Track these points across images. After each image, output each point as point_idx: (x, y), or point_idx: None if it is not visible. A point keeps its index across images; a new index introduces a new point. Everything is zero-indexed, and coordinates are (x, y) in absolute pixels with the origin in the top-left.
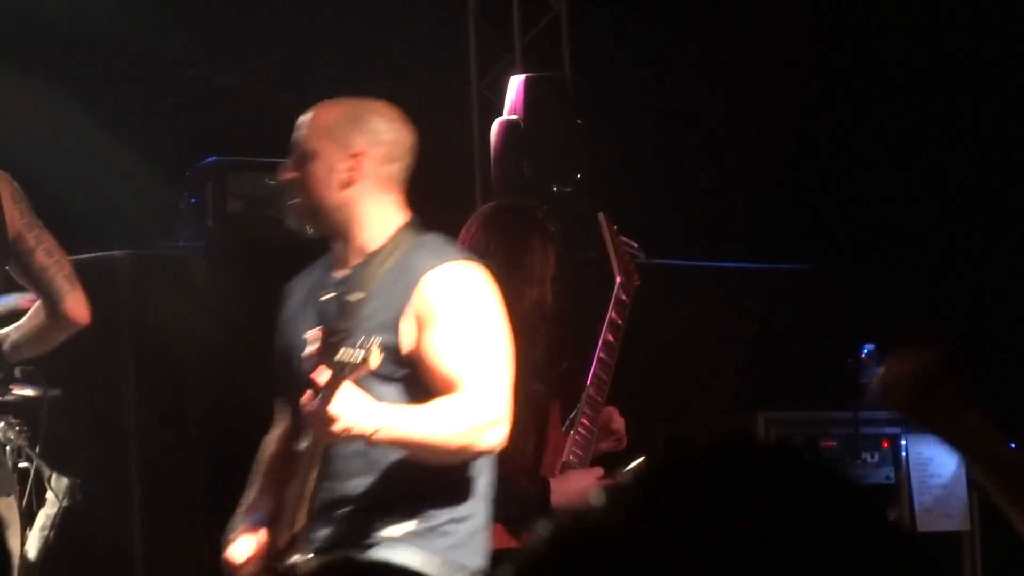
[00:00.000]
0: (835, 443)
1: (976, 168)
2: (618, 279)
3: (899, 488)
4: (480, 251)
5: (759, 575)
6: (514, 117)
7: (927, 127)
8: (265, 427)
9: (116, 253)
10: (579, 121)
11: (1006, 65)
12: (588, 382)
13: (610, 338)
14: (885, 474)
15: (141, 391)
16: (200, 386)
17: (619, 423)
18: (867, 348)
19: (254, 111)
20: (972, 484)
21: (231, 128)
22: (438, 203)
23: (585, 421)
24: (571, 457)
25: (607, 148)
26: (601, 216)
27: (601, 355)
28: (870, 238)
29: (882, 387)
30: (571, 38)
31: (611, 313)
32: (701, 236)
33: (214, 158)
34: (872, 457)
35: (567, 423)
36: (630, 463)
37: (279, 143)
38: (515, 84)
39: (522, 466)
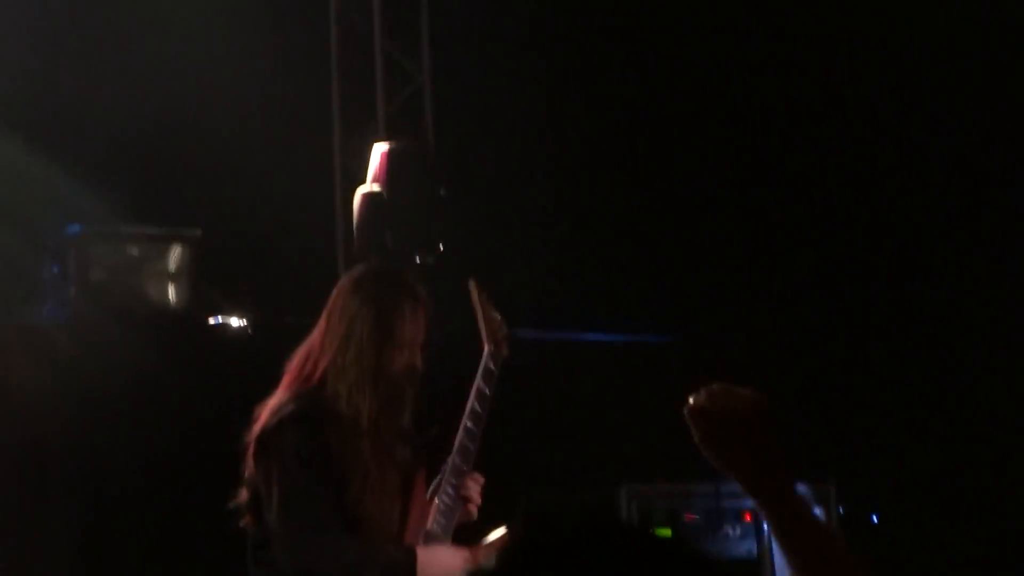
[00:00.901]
0: (697, 516)
1: (830, 237)
2: (487, 348)
3: (761, 562)
4: (351, 315)
5: None
6: (376, 187)
7: (777, 202)
8: (129, 496)
9: None
10: (442, 191)
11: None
12: (454, 450)
13: (477, 407)
14: (747, 547)
15: (1, 461)
16: (62, 455)
17: (471, 492)
18: None
19: (118, 179)
20: None
21: (94, 196)
22: (300, 270)
23: (449, 490)
24: (434, 525)
25: (470, 219)
26: (472, 283)
27: (468, 423)
28: (731, 310)
29: (689, 418)
30: (434, 108)
31: (478, 382)
32: (564, 308)
33: (77, 227)
34: (734, 530)
35: (431, 490)
36: (491, 534)
37: (142, 211)
38: (378, 153)
39: (388, 531)
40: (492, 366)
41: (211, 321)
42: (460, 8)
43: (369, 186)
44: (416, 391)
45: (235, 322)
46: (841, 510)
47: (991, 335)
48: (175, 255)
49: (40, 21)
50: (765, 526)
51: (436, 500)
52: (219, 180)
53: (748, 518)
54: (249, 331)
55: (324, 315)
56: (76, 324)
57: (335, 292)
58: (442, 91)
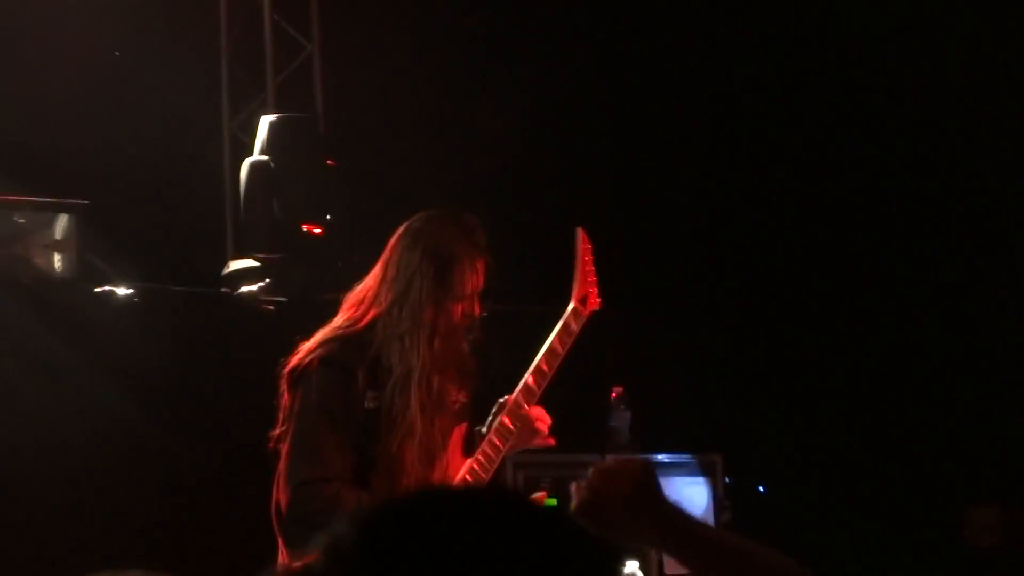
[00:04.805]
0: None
1: (719, 212)
2: (571, 305)
3: None
4: (411, 270)
5: None
6: (264, 157)
7: (668, 174)
8: (29, 473)
9: None
10: (330, 162)
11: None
12: (506, 408)
13: (543, 366)
14: None
15: None
16: None
17: (544, 422)
18: (615, 391)
19: (4, 148)
20: (720, 526)
21: None
22: (188, 240)
23: (487, 449)
24: (468, 477)
25: (359, 189)
26: (580, 231)
27: (528, 381)
28: (620, 284)
29: (582, 510)
30: (323, 79)
31: (553, 339)
32: None
33: None
34: None
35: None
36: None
37: (29, 181)
38: (266, 124)
39: (421, 484)
40: (573, 325)
41: (97, 290)
42: None
43: (257, 156)
44: (473, 340)
45: (122, 291)
46: (728, 480)
47: (876, 305)
48: (61, 224)
49: None
50: None
51: (472, 459)
52: (107, 150)
53: None
54: (136, 300)
55: (381, 262)
56: None
57: (394, 239)
58: (332, 62)
